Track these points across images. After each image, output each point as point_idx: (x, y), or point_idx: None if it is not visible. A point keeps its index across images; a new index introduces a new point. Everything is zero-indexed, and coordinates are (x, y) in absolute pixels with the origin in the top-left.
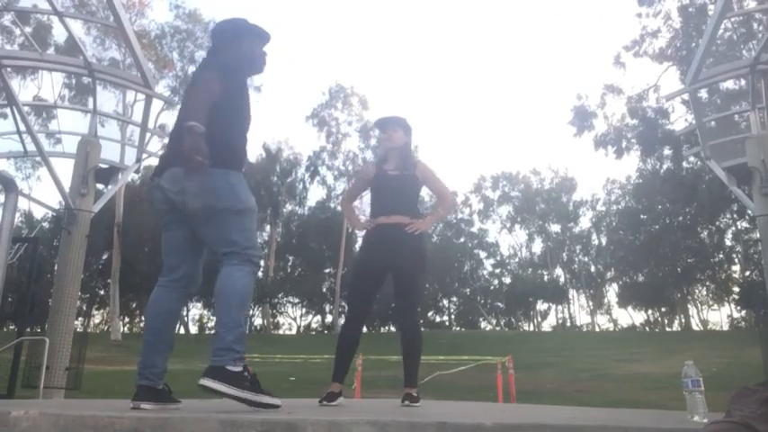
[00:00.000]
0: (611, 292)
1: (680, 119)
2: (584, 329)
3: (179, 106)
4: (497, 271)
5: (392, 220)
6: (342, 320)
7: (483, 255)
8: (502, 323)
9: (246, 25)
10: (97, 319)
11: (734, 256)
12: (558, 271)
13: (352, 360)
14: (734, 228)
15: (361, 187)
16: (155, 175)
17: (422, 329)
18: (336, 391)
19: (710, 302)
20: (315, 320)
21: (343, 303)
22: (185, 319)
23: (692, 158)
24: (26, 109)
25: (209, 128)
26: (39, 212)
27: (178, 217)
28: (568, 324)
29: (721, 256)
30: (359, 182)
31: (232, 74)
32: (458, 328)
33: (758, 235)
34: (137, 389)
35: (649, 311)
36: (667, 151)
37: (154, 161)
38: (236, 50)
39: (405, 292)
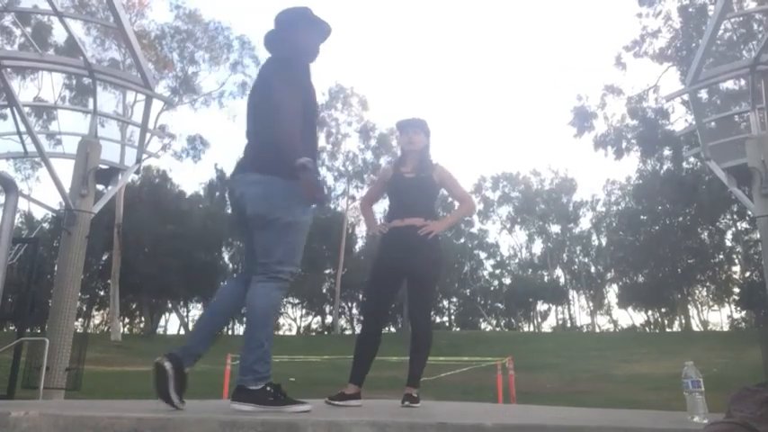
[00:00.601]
0: (612, 293)
1: (680, 119)
2: (585, 330)
3: (254, 111)
4: (497, 272)
5: (406, 223)
6: (341, 321)
7: (483, 255)
8: (502, 324)
9: (307, 17)
10: (97, 320)
11: (734, 256)
12: (558, 272)
13: (372, 362)
14: (734, 228)
15: (379, 189)
16: (231, 177)
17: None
18: (348, 393)
19: (711, 303)
20: (315, 321)
21: (343, 304)
22: (185, 319)
23: (692, 159)
24: (26, 110)
25: (270, 135)
26: (39, 213)
27: (244, 219)
28: (568, 325)
29: (721, 256)
30: (377, 184)
31: (299, 81)
32: (458, 329)
33: (758, 235)
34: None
35: (649, 312)
36: (667, 152)
37: (154, 161)
38: (294, 42)
39: (417, 293)
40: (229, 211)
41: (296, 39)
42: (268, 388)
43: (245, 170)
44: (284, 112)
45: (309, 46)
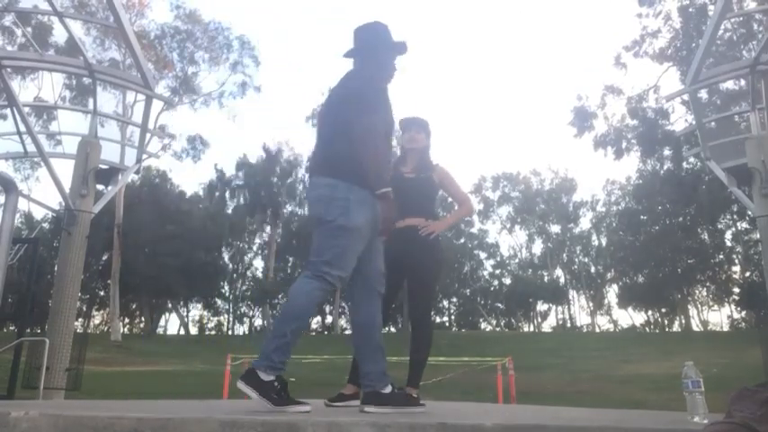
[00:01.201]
0: (612, 293)
1: (680, 119)
2: (585, 330)
3: (329, 120)
4: (497, 272)
5: (406, 223)
6: (341, 321)
7: (483, 255)
8: (502, 324)
9: (386, 35)
10: (97, 320)
11: (734, 256)
12: (558, 272)
13: None
14: (734, 228)
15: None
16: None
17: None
18: (348, 393)
19: (711, 303)
20: (315, 321)
21: (343, 304)
22: (185, 319)
23: (692, 159)
24: (26, 110)
25: (341, 141)
26: (39, 213)
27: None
28: (568, 325)
29: (721, 256)
30: None
31: (373, 92)
32: (458, 329)
33: (758, 236)
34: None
35: (649, 312)
36: (667, 152)
37: (154, 162)
38: (374, 60)
39: (417, 293)
40: (229, 211)
41: (375, 56)
42: (276, 384)
43: (314, 174)
44: (365, 131)
45: (389, 67)
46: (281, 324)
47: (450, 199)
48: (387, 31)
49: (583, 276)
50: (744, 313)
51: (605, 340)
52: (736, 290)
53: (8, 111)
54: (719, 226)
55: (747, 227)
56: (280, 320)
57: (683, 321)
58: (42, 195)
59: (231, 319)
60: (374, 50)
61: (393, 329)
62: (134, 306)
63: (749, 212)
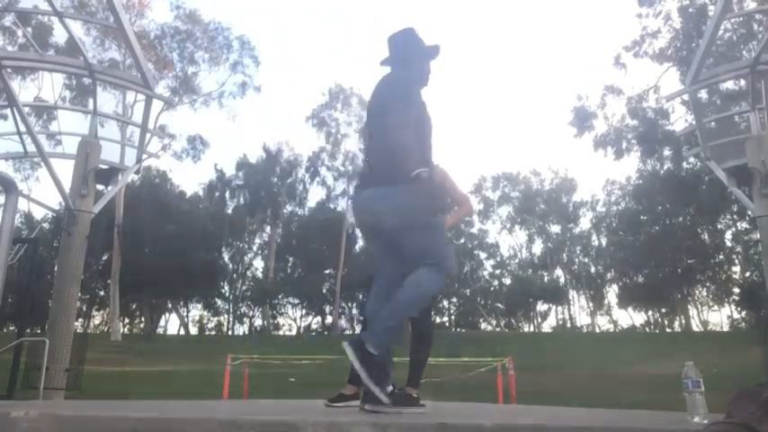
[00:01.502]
0: (612, 293)
1: (680, 119)
2: (585, 330)
3: (372, 130)
4: (497, 272)
5: None
6: (341, 321)
7: (483, 256)
8: (502, 324)
9: (419, 41)
10: (97, 320)
11: (734, 256)
12: (559, 272)
13: None
14: (734, 229)
15: None
16: (355, 191)
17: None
18: (348, 394)
19: (711, 303)
20: (315, 321)
21: (343, 304)
22: (185, 320)
23: (692, 159)
24: (26, 110)
25: (388, 150)
26: (39, 213)
27: (378, 233)
28: (568, 325)
29: (721, 256)
30: None
31: (412, 95)
32: (458, 329)
33: (758, 236)
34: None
35: (649, 312)
36: (667, 152)
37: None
38: (410, 66)
39: None
40: (229, 211)
41: (410, 62)
42: (378, 360)
43: (370, 185)
44: (398, 128)
45: (425, 72)
46: (399, 309)
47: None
48: (419, 37)
49: (583, 276)
50: (744, 313)
51: (605, 340)
52: (736, 290)
53: (8, 111)
54: (719, 226)
55: (747, 227)
56: (398, 305)
57: (683, 321)
58: (42, 195)
59: (231, 319)
60: (409, 57)
61: None
62: (134, 306)
63: (749, 212)
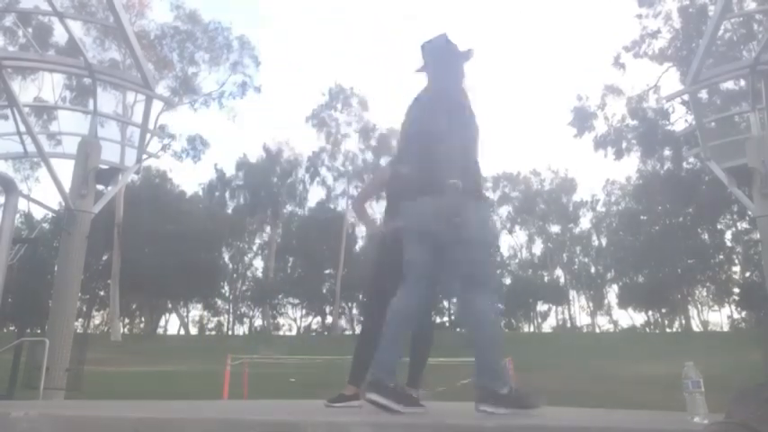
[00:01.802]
0: (612, 293)
1: (680, 119)
2: (585, 330)
3: (412, 141)
4: (497, 272)
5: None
6: (341, 321)
7: None
8: (502, 324)
9: (453, 47)
10: (97, 320)
11: (734, 256)
12: (559, 272)
13: (371, 362)
14: (734, 229)
15: (375, 189)
16: (401, 194)
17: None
18: (348, 394)
19: (711, 303)
20: (315, 321)
21: (343, 304)
22: (185, 320)
23: (692, 159)
24: (26, 110)
25: (431, 164)
26: (39, 213)
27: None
28: (569, 325)
29: (721, 257)
30: (374, 184)
31: (448, 104)
32: (458, 330)
33: (758, 236)
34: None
35: (650, 312)
36: (667, 152)
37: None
38: (445, 73)
39: None
40: (229, 211)
41: (445, 69)
42: (507, 392)
43: (415, 192)
44: (439, 140)
45: (458, 74)
46: (494, 350)
47: None
48: (453, 43)
49: (583, 276)
50: (744, 313)
51: (605, 340)
52: (737, 290)
53: (8, 111)
54: (719, 226)
55: (747, 227)
56: (491, 349)
57: (683, 322)
58: (42, 195)
59: (231, 319)
60: (444, 63)
61: None
62: (134, 306)
63: (749, 212)
